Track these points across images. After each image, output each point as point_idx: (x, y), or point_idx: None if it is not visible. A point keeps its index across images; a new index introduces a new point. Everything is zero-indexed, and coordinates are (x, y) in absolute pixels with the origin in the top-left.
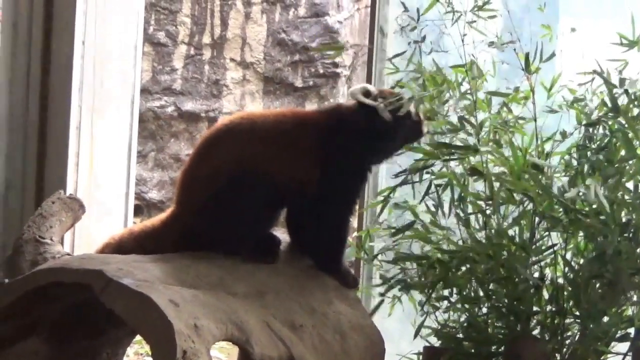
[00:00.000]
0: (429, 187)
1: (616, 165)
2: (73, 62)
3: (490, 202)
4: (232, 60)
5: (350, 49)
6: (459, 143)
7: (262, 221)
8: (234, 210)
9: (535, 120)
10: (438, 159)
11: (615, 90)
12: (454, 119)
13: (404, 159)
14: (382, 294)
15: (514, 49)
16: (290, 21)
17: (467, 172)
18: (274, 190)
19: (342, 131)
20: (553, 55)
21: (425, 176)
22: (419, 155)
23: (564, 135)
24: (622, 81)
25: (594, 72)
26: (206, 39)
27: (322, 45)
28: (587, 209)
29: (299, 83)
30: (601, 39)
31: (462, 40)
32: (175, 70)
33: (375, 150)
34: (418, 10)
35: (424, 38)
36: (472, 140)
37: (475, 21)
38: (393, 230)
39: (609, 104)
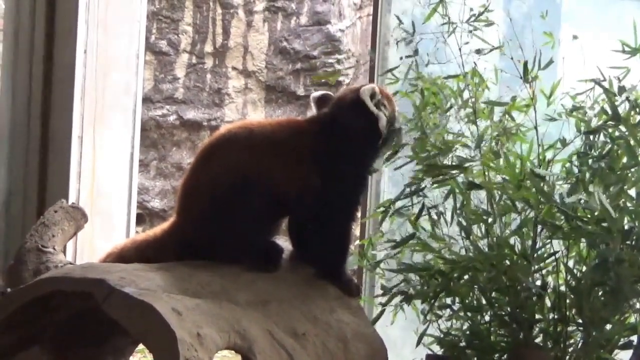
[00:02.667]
0: (421, 210)
1: (618, 172)
2: (75, 71)
3: (491, 210)
4: (234, 68)
5: (352, 57)
6: (460, 154)
7: (262, 229)
8: (233, 218)
9: (536, 128)
10: (432, 177)
11: (616, 98)
12: (453, 125)
13: (407, 169)
14: (383, 305)
15: (511, 57)
16: (292, 29)
17: (466, 186)
18: (273, 198)
19: (331, 136)
20: (551, 62)
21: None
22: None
23: (564, 142)
24: (621, 89)
25: (594, 80)
26: (208, 48)
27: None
28: (588, 216)
29: (300, 91)
30: (603, 46)
31: (460, 50)
32: (177, 79)
33: (364, 153)
34: (413, 23)
35: (416, 52)
36: (472, 152)
37: (476, 29)
38: (394, 243)
39: (610, 112)
